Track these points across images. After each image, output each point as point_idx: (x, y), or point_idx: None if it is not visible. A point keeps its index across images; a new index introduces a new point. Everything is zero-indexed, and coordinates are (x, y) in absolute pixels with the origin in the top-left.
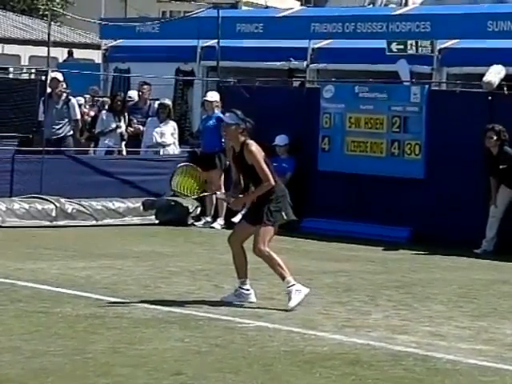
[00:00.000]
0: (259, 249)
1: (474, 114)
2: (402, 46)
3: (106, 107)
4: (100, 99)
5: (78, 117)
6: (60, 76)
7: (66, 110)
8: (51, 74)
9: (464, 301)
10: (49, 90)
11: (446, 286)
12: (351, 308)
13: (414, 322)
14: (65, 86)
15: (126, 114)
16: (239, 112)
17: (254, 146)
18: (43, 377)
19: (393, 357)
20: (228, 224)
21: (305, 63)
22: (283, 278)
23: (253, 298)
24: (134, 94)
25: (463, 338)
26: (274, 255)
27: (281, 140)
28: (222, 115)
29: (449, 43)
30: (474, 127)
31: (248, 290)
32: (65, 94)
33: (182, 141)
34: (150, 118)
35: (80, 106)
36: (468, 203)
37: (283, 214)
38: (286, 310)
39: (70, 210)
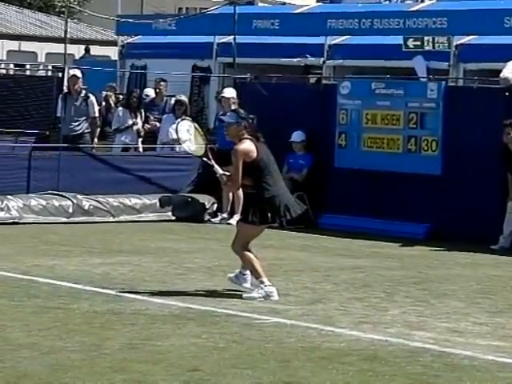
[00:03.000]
0: (234, 247)
1: (491, 110)
2: (418, 42)
3: (111, 101)
4: (104, 93)
5: (97, 114)
6: (79, 73)
7: (85, 107)
8: (70, 71)
9: (481, 297)
10: (65, 86)
11: (464, 282)
12: (368, 304)
13: (432, 319)
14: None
15: (142, 110)
16: (242, 111)
17: (242, 146)
18: (61, 372)
19: (410, 353)
20: None
21: (321, 60)
22: (256, 277)
23: (247, 284)
24: (150, 91)
25: (481, 334)
26: (250, 256)
27: (297, 136)
28: None
29: (466, 39)
30: (491, 123)
31: (245, 274)
32: (84, 91)
33: None
34: (166, 115)
35: None
36: (485, 199)
37: (269, 215)
38: (243, 298)
39: (86, 207)
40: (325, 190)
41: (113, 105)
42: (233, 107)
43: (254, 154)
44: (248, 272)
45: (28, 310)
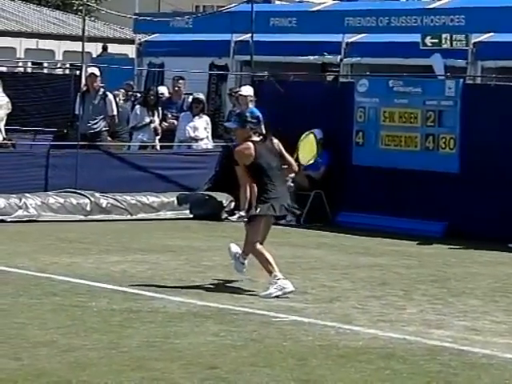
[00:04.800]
0: (248, 247)
1: (509, 108)
2: (436, 40)
3: (120, 100)
4: (118, 92)
5: (115, 112)
6: (97, 71)
7: (103, 105)
8: (88, 69)
9: (499, 295)
10: (83, 84)
11: (481, 281)
12: (386, 302)
13: (449, 317)
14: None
15: (159, 108)
16: (248, 114)
17: (240, 149)
18: (79, 370)
19: (428, 351)
20: None
21: (338, 57)
22: (270, 272)
23: (244, 273)
24: (164, 90)
25: (499, 332)
26: (262, 250)
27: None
28: (256, 110)
29: (483, 37)
30: (509, 121)
31: (243, 264)
32: (102, 90)
33: (216, 135)
34: (183, 113)
35: None
36: (503, 197)
37: (265, 207)
38: (259, 296)
39: (104, 205)
40: (342, 188)
41: (121, 102)
42: (250, 105)
43: (252, 158)
44: (246, 262)
45: (46, 308)
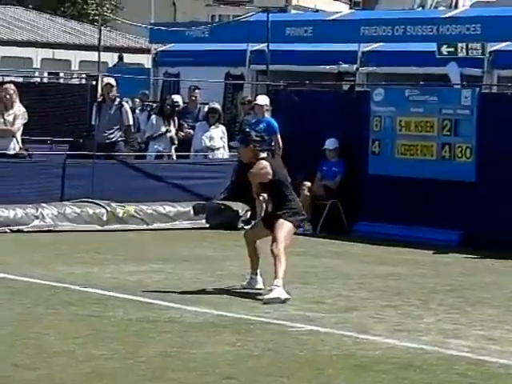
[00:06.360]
0: (277, 245)
1: None
2: (452, 49)
3: (136, 108)
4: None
5: (131, 122)
6: (113, 81)
7: (119, 115)
8: (104, 79)
9: None
10: (99, 94)
11: (498, 290)
12: (403, 312)
13: (467, 326)
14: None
15: (175, 118)
16: (253, 132)
17: (257, 169)
18: (96, 380)
19: (445, 361)
20: None
21: (354, 66)
22: (276, 277)
23: (260, 285)
24: (178, 98)
25: None
26: (284, 257)
27: (331, 144)
28: (271, 119)
29: (499, 45)
30: None
31: (256, 280)
32: (118, 99)
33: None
34: (199, 123)
35: None
36: None
37: (291, 212)
38: (262, 300)
39: (120, 215)
40: (358, 197)
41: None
42: (266, 115)
43: (270, 176)
44: (259, 277)
45: (63, 318)
